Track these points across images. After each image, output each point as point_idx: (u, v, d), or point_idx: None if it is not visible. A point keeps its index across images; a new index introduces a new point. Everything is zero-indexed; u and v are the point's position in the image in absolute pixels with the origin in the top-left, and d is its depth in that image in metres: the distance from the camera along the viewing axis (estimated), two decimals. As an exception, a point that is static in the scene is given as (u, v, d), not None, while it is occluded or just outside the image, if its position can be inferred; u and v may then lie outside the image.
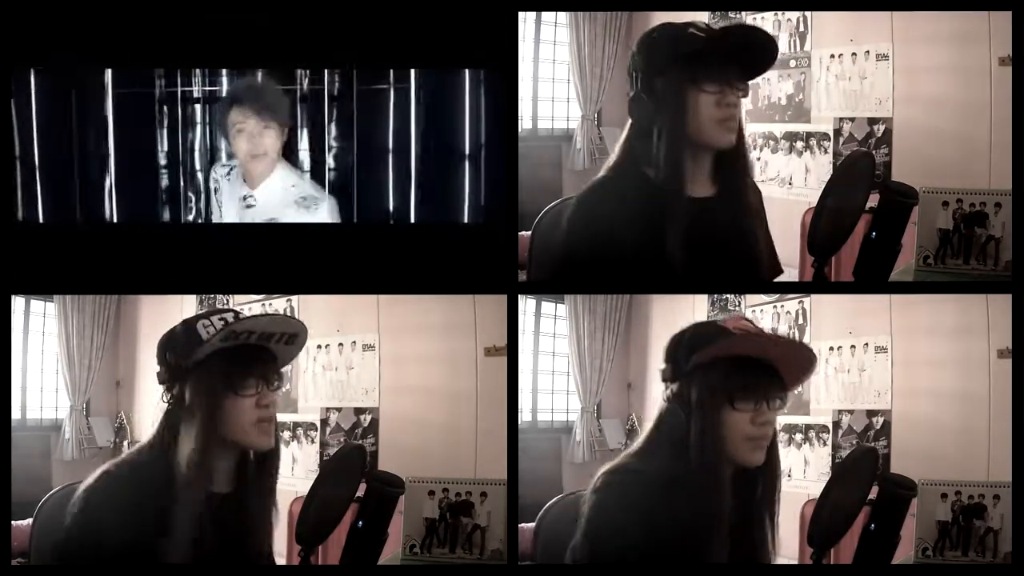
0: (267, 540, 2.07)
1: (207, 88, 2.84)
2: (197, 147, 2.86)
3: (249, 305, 3.19)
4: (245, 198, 2.75)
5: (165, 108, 2.84)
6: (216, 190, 2.82)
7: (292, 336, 2.02)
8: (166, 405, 1.99)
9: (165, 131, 2.85)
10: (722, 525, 1.87)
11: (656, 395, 3.59)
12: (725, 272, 2.20)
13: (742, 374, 1.90)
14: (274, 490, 2.07)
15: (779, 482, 1.99)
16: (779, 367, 1.93)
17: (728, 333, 1.94)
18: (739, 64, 2.13)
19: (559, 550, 1.98)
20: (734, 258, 2.19)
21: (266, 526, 2.06)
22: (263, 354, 2.00)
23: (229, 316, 2.01)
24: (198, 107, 2.86)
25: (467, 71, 2.70)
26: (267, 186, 2.73)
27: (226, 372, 1.96)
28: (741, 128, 2.16)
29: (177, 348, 1.98)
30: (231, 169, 2.79)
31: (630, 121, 2.18)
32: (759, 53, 2.16)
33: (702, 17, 3.06)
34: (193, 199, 2.85)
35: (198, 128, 2.87)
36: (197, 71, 2.83)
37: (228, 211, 2.76)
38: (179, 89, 2.85)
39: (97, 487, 1.95)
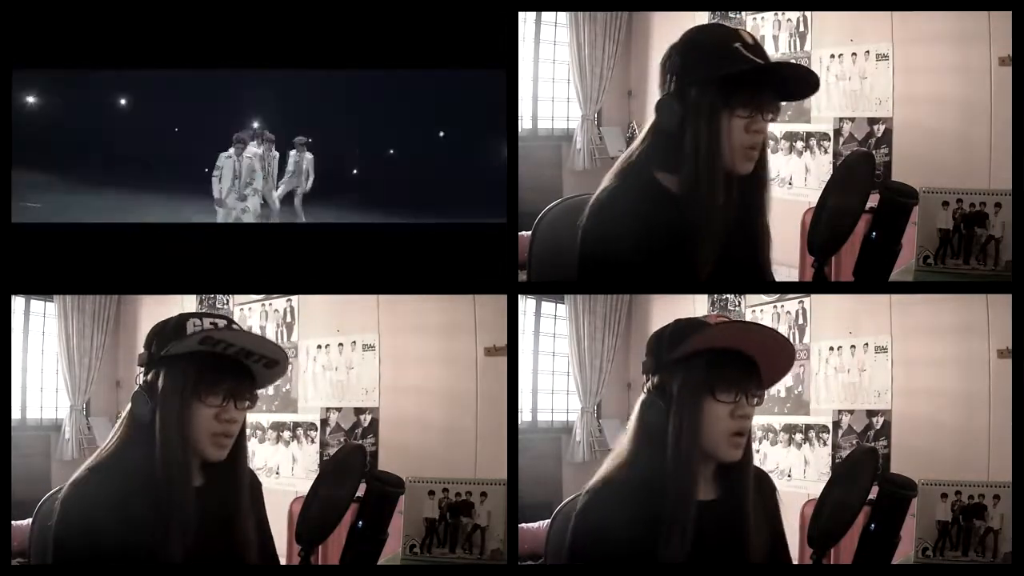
0: (242, 530, 2.04)
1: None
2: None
3: (249, 305, 3.19)
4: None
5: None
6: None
7: (272, 361, 1.99)
8: (137, 388, 1.99)
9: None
10: (688, 518, 1.89)
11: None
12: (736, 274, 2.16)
13: (723, 366, 1.91)
14: (242, 486, 2.04)
15: (750, 481, 1.98)
16: (759, 360, 1.94)
17: (708, 325, 1.96)
18: (775, 92, 2.05)
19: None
20: (746, 263, 2.16)
21: (239, 518, 2.03)
22: (239, 370, 1.98)
23: (221, 322, 2.00)
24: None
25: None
26: None
27: (196, 377, 1.95)
28: (763, 153, 2.06)
29: (162, 337, 1.99)
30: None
31: (654, 118, 2.08)
32: (800, 88, 2.09)
33: (702, 19, 3.08)
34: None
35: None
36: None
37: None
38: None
39: (73, 496, 1.94)
